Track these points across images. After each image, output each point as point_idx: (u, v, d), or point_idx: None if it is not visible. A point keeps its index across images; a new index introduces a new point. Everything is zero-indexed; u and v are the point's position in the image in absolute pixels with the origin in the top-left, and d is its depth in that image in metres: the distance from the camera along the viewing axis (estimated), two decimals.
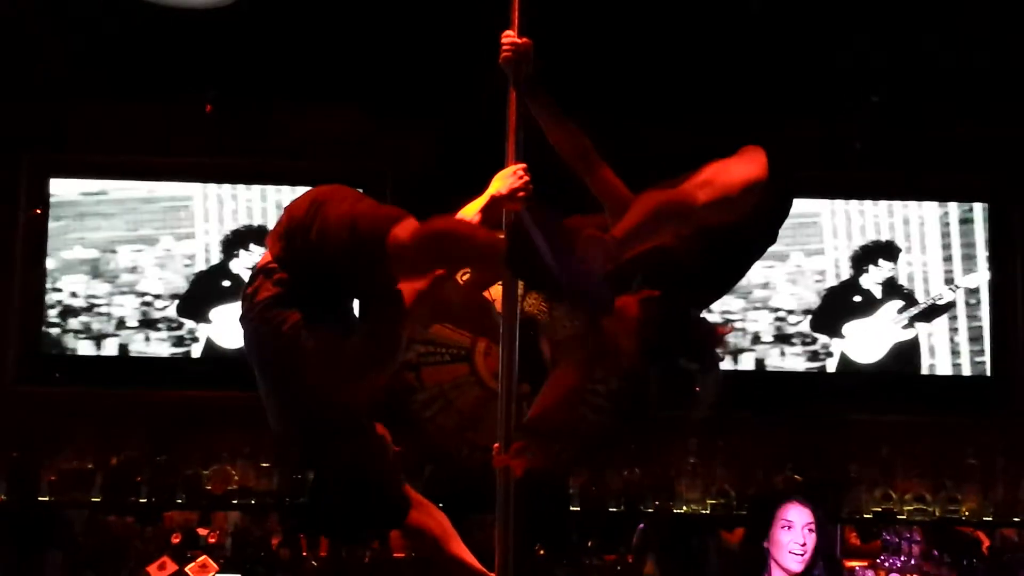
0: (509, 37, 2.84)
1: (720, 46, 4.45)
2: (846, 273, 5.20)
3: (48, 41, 4.72)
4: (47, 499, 4.79)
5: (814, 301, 5.17)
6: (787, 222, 2.77)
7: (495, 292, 2.89)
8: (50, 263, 5.07)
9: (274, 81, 4.82)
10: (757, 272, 4.97)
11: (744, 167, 2.61)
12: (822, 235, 5.18)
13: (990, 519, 4.92)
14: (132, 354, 5.07)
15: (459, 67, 4.43)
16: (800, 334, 5.15)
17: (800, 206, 5.09)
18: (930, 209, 5.22)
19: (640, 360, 2.67)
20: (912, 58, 4.55)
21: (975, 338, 5.16)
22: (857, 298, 5.20)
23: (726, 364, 4.89)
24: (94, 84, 4.89)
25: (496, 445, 2.87)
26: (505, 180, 2.80)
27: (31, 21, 4.61)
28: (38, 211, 5.10)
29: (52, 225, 5.08)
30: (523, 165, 2.83)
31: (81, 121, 5.05)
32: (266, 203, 5.16)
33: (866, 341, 5.17)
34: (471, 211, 2.77)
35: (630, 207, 2.53)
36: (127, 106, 4.96)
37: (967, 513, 4.91)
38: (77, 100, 5.01)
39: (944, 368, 5.16)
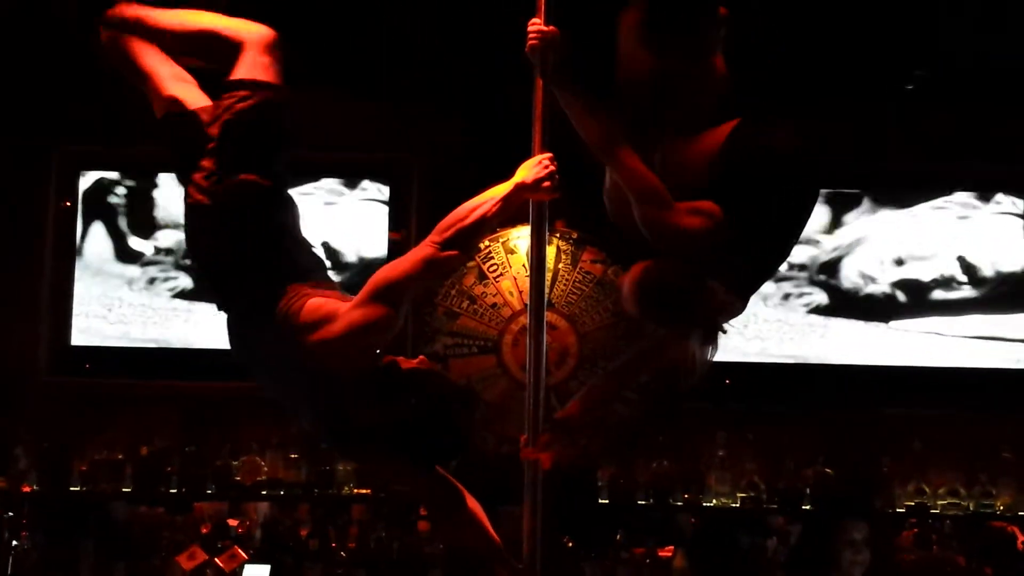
0: (536, 25, 2.82)
1: (747, 32, 4.39)
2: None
3: (79, 33, 4.73)
4: (78, 489, 4.83)
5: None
6: None
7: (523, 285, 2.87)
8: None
9: (300, 71, 4.80)
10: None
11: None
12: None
13: None
14: (162, 345, 5.10)
15: (485, 56, 4.42)
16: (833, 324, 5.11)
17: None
18: (967, 201, 5.15)
19: (645, 306, 2.71)
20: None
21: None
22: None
23: (759, 356, 4.93)
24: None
25: (524, 437, 2.86)
26: (531, 169, 2.79)
27: (63, 12, 4.63)
28: (68, 203, 5.12)
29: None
30: (549, 155, 2.82)
31: (112, 114, 5.06)
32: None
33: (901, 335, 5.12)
34: (492, 195, 2.76)
35: None
36: None
37: (1001, 507, 4.85)
38: (108, 93, 5.02)
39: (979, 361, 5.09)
